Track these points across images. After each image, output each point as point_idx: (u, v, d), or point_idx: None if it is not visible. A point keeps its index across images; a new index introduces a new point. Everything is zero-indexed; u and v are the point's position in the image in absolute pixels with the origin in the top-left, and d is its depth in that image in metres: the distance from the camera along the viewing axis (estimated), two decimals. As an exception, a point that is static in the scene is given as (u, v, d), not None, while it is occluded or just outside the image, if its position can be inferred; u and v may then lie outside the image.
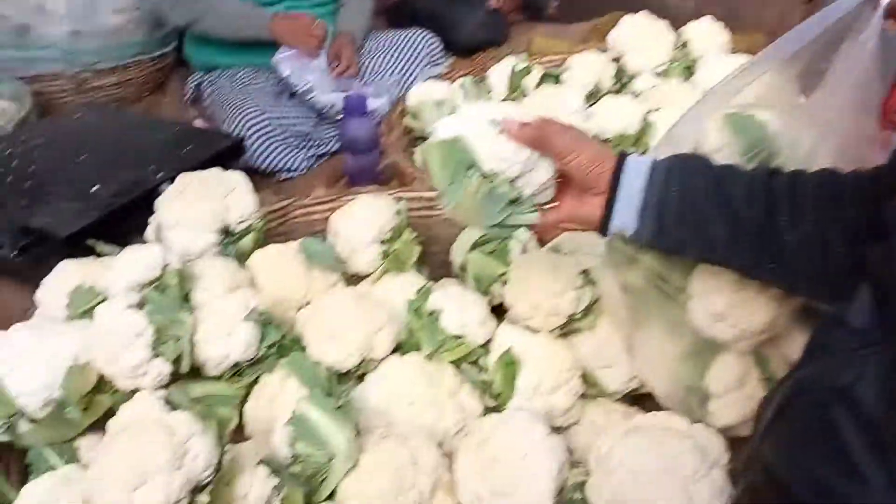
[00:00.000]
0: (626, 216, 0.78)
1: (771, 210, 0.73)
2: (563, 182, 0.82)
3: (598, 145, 0.81)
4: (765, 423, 0.64)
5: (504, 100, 1.69)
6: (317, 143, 1.91)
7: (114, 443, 0.72)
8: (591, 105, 1.54)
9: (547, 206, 0.82)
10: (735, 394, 0.87)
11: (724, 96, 0.87)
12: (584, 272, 1.05)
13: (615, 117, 1.48)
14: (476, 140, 0.78)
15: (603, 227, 0.80)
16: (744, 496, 0.67)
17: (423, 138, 1.67)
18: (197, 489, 0.71)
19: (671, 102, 1.51)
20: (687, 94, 1.55)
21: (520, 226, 0.81)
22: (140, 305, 0.90)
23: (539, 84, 1.63)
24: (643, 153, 1.45)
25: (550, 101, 1.50)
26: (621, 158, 0.78)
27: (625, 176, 0.77)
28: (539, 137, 0.77)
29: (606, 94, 1.58)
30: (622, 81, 1.72)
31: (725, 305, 0.85)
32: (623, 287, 0.93)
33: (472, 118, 0.80)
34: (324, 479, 0.83)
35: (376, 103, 1.87)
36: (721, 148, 0.84)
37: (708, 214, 0.74)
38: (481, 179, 0.78)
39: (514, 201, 0.79)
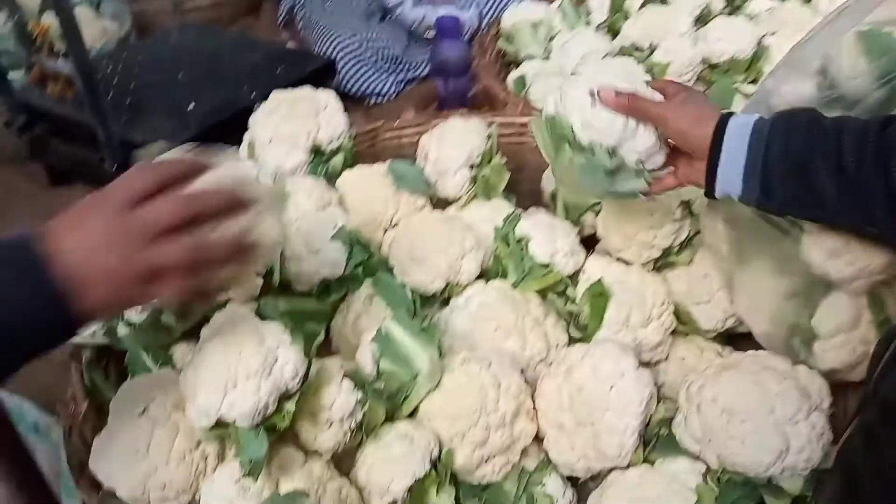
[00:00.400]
0: (731, 180, 0.76)
1: (885, 164, 0.67)
2: (676, 147, 0.81)
3: (698, 107, 0.79)
4: (883, 364, 0.59)
5: (605, 22, 1.60)
6: (407, 66, 1.88)
7: (207, 347, 0.73)
8: (699, 28, 1.44)
9: (664, 172, 0.83)
10: (844, 336, 0.81)
11: (857, 12, 0.79)
12: (685, 204, 1.00)
13: (727, 40, 1.38)
14: (572, 112, 0.82)
15: (709, 192, 0.78)
16: (857, 436, 0.63)
17: (517, 63, 1.61)
18: (284, 397, 0.72)
19: (789, 26, 1.39)
20: (807, 18, 1.43)
21: (629, 193, 0.83)
22: (233, 218, 0.90)
23: (643, 5, 1.53)
24: (753, 82, 1.37)
25: (655, 24, 1.41)
26: (723, 120, 0.75)
27: (727, 139, 0.75)
28: (634, 106, 0.78)
29: (717, 16, 1.47)
30: (735, 3, 1.59)
31: (843, 242, 0.79)
32: (728, 220, 0.88)
33: (579, 84, 0.83)
34: (406, 397, 0.83)
35: (464, 16, 1.80)
36: (853, 71, 0.76)
37: (815, 172, 0.70)
38: (576, 151, 0.81)
39: (614, 170, 0.81)
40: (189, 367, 0.73)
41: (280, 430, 0.72)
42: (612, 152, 0.80)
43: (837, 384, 0.83)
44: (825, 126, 0.71)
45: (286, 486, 0.72)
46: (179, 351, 0.92)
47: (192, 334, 0.91)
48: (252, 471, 0.68)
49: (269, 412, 0.71)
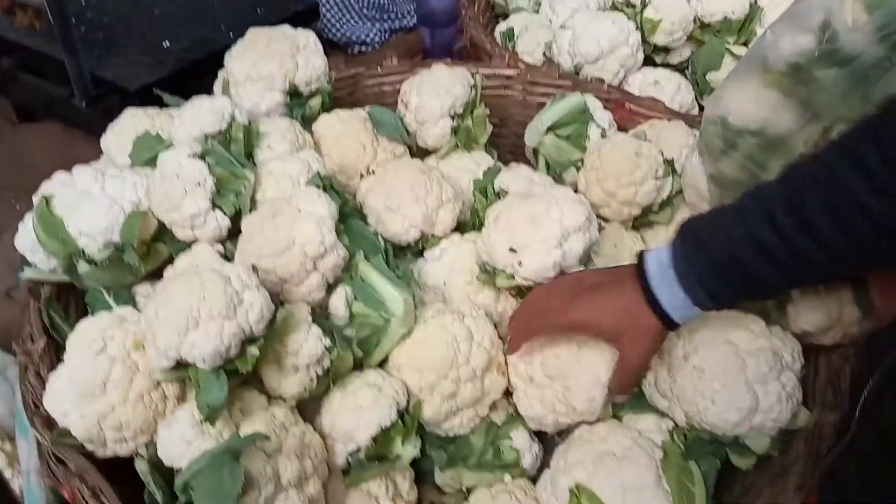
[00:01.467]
0: (685, 314, 0.72)
1: (812, 241, 0.63)
2: None
3: (607, 308, 0.75)
4: (872, 389, 0.55)
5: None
6: (393, 15, 1.83)
7: (169, 286, 0.71)
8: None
9: None
10: (818, 299, 0.80)
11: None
12: (668, 162, 0.98)
13: (720, 0, 1.34)
14: None
15: (671, 327, 0.74)
16: (849, 464, 0.60)
17: (506, 15, 1.57)
18: (248, 340, 0.70)
19: (783, -11, 1.36)
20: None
21: None
22: (203, 156, 0.87)
23: (636, -39, 1.49)
24: (745, 44, 1.34)
25: (646, -20, 1.37)
26: (649, 295, 0.72)
27: (660, 294, 0.71)
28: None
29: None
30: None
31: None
32: (713, 177, 0.86)
33: None
34: (378, 343, 0.81)
35: None
36: (854, 23, 0.74)
37: (749, 272, 0.67)
38: None
39: None
40: (150, 306, 0.71)
41: (242, 374, 0.71)
42: None
43: (809, 347, 0.82)
44: (733, 229, 0.68)
45: (247, 429, 0.70)
46: (142, 291, 0.90)
47: (157, 275, 0.88)
48: (210, 416, 0.67)
49: (231, 355, 0.69)
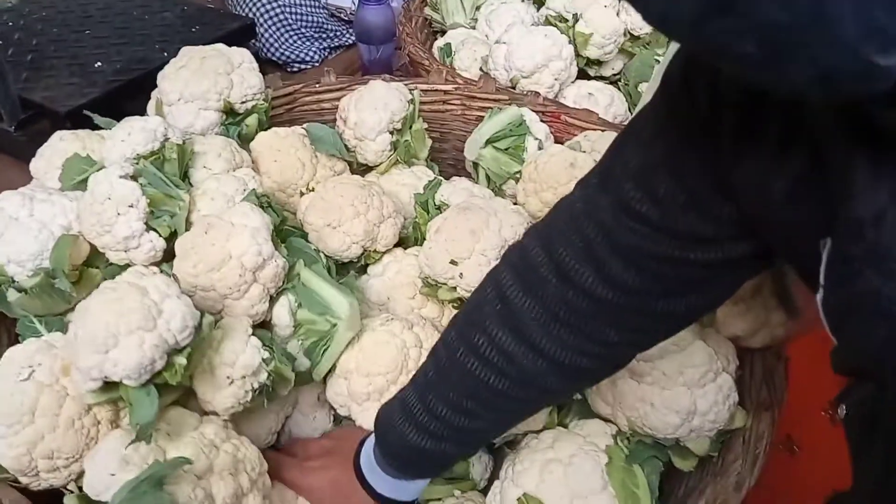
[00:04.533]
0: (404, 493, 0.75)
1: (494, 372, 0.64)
2: None
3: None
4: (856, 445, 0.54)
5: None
6: (331, 33, 1.82)
7: (86, 306, 0.69)
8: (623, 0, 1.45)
9: None
10: (745, 304, 0.82)
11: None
12: (602, 171, 1.00)
13: None
14: None
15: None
16: None
17: (443, 31, 1.58)
18: (174, 351, 0.69)
19: None
20: None
21: None
22: (136, 177, 0.85)
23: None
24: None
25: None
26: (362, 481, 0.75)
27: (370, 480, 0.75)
28: None
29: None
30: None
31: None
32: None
33: None
34: (326, 349, 0.81)
35: None
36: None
37: (431, 456, 0.69)
38: None
39: None
40: (70, 329, 0.69)
41: (173, 386, 0.69)
42: None
43: (743, 349, 0.85)
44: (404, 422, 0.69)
45: (173, 453, 0.68)
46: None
47: (91, 301, 0.86)
48: (141, 433, 0.65)
49: (156, 368, 0.67)
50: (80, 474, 0.71)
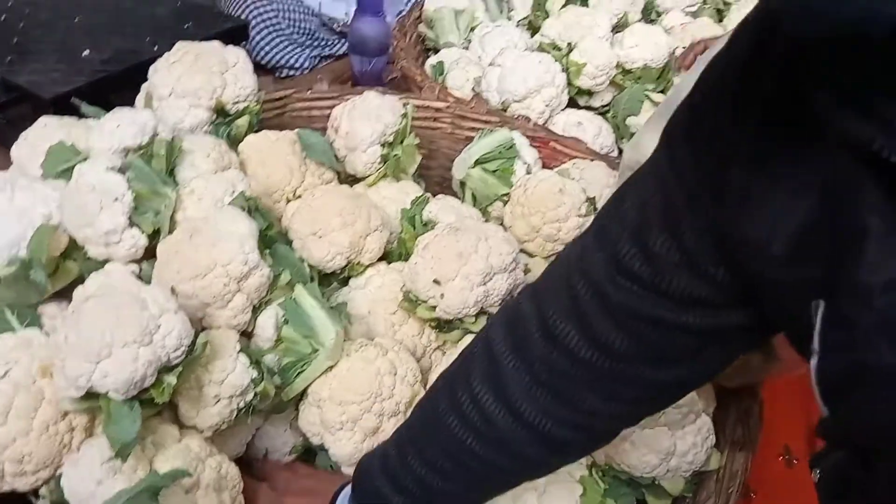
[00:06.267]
0: None
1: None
2: None
3: None
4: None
5: (525, 18, 1.60)
6: (322, 42, 1.82)
7: (81, 309, 0.67)
8: (617, 33, 1.46)
9: None
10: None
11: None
12: (591, 200, 1.01)
13: (644, 46, 1.40)
14: None
15: None
16: None
17: (437, 49, 1.59)
18: (165, 369, 0.67)
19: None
20: (718, 33, 1.48)
21: None
22: (122, 170, 0.84)
23: (564, 5, 1.54)
24: (663, 91, 1.40)
25: (574, 24, 1.42)
26: None
27: None
28: None
29: (634, 24, 1.50)
30: (650, 18, 1.63)
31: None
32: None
33: None
34: (300, 373, 0.79)
35: None
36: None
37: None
38: None
39: None
40: (59, 330, 0.67)
41: (158, 404, 0.67)
42: None
43: (721, 390, 0.85)
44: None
45: (162, 464, 0.66)
46: (49, 311, 0.84)
47: (65, 294, 0.83)
48: (121, 451, 0.62)
49: (146, 384, 0.65)
50: (47, 480, 0.68)
